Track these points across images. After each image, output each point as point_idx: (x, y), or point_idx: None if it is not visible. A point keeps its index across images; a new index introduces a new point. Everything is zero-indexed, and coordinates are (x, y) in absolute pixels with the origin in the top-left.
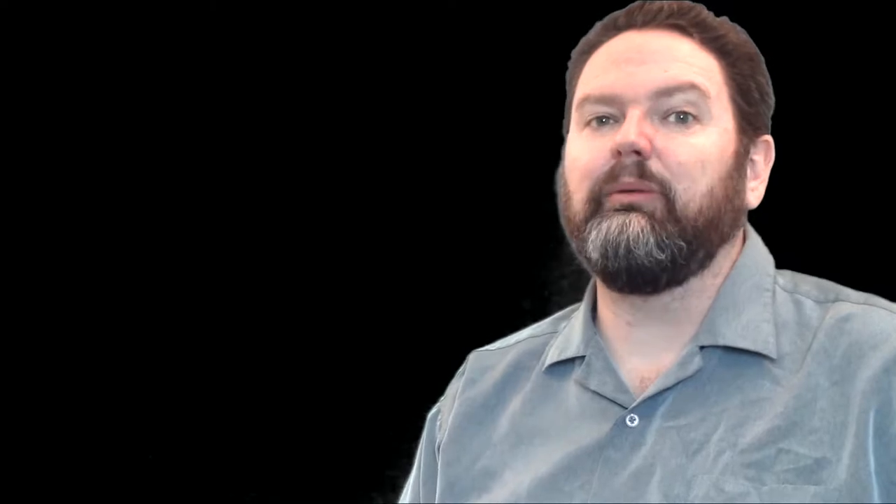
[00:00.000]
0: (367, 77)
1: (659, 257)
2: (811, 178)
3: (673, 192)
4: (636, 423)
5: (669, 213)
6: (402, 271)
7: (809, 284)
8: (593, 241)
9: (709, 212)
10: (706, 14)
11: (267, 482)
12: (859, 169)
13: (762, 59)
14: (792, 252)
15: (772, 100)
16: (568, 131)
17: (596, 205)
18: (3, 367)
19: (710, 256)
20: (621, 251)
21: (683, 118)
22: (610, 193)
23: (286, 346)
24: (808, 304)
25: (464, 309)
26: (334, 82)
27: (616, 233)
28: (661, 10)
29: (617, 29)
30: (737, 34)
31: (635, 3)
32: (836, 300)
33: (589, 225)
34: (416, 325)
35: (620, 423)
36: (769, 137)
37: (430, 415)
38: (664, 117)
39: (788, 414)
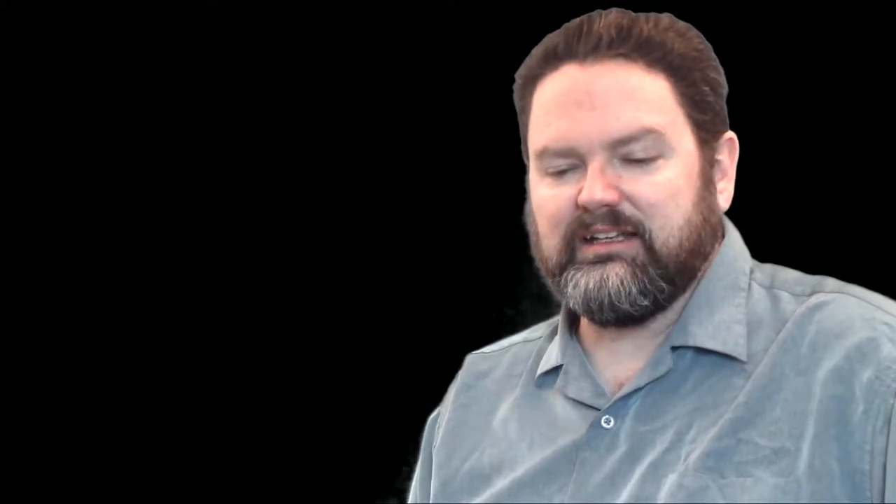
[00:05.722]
0: (359, 77)
1: (643, 303)
2: (811, 176)
3: (649, 233)
4: (612, 424)
5: (649, 253)
6: (395, 280)
7: (789, 278)
8: (573, 297)
9: (689, 242)
10: (646, 28)
11: (270, 491)
12: (854, 167)
13: (708, 48)
14: (791, 249)
15: (725, 89)
16: (528, 160)
17: (570, 252)
18: (3, 367)
19: (693, 278)
20: (605, 306)
21: (644, 158)
22: (583, 239)
23: (283, 358)
24: (785, 298)
25: (458, 313)
26: (330, 83)
27: (596, 290)
28: (600, 38)
29: (557, 58)
30: (679, 38)
31: (572, 26)
32: (812, 293)
33: (565, 275)
34: (415, 333)
35: (596, 424)
36: (730, 133)
37: (430, 418)
38: (625, 158)
39: (751, 405)
